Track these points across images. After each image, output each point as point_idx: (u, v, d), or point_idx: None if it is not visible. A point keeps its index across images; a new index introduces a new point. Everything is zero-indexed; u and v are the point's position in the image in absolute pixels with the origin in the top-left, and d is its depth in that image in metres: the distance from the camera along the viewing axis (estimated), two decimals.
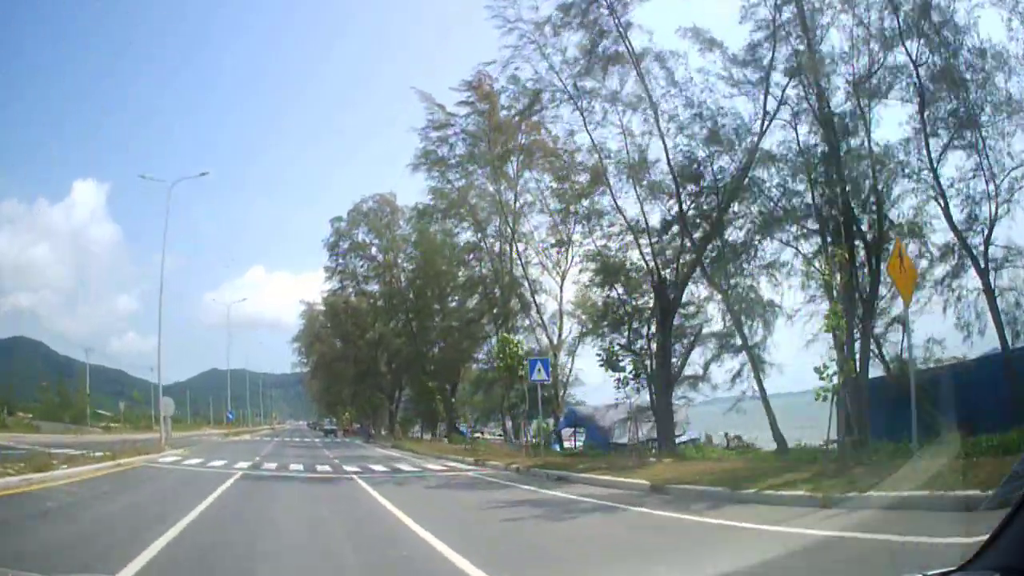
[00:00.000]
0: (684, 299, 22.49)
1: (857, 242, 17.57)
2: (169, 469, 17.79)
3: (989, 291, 16.52)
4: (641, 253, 22.56)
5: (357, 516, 10.14)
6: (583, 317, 30.70)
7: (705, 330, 23.59)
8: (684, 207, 20.93)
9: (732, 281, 20.91)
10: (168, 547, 6.61)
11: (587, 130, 22.69)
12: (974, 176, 17.22)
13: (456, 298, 42.32)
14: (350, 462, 22.69)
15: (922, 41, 17.18)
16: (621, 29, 20.80)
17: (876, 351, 18.55)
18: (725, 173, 20.71)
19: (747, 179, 19.94)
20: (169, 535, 7.20)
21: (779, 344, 21.14)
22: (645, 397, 23.14)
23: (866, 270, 17.77)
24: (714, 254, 21.31)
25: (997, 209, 16.78)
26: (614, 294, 24.48)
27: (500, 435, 39.63)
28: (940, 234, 18.01)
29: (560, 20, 21.80)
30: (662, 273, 21.97)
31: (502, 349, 26.46)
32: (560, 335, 32.01)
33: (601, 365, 20.06)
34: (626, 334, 23.93)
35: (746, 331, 20.71)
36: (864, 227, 18.04)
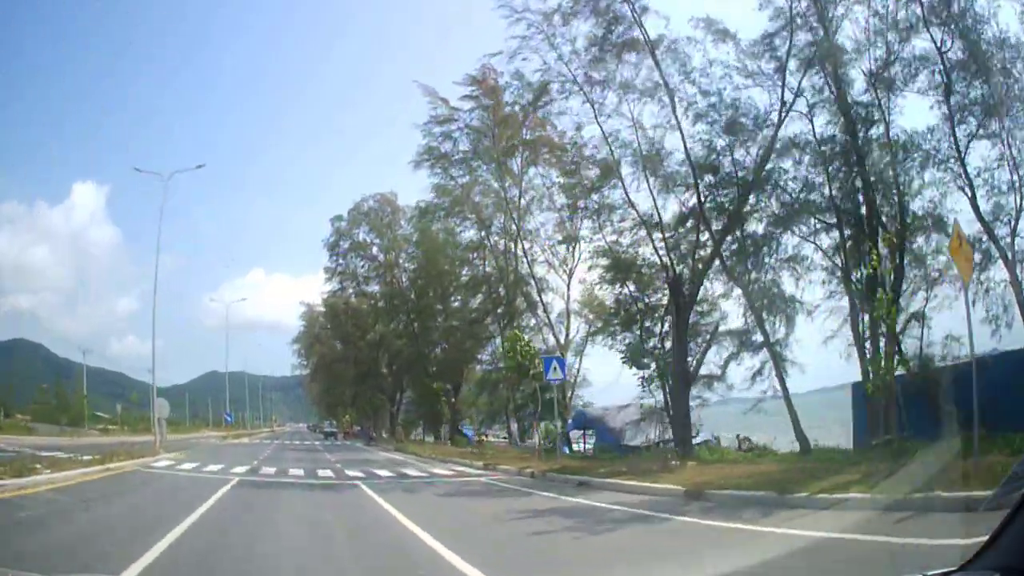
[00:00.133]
0: (698, 296, 21.72)
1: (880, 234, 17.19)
2: (160, 474, 16.95)
3: (1016, 284, 16.04)
4: (655, 248, 21.81)
5: (366, 530, 9.23)
6: (591, 316, 30.04)
7: (722, 328, 22.89)
8: (702, 199, 20.16)
9: (753, 275, 20.19)
10: None
11: (597, 122, 22.04)
12: (999, 166, 16.83)
13: (459, 298, 41.62)
14: (353, 466, 21.88)
15: (944, 29, 16.87)
16: (636, 14, 20.18)
17: (896, 348, 17.97)
18: (742, 165, 20.13)
19: (764, 171, 19.42)
20: (145, 560, 6.05)
21: (800, 341, 20.48)
22: (658, 398, 22.50)
23: (888, 263, 17.18)
24: (734, 246, 20.61)
25: (1022, 200, 16.27)
26: (626, 291, 23.78)
27: (505, 438, 38.85)
28: (966, 226, 17.41)
29: (570, 8, 21.20)
30: (677, 269, 21.21)
31: (512, 347, 25.68)
32: (567, 334, 31.24)
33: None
34: (638, 332, 23.20)
35: (767, 328, 19.99)
36: (884, 219, 17.71)
